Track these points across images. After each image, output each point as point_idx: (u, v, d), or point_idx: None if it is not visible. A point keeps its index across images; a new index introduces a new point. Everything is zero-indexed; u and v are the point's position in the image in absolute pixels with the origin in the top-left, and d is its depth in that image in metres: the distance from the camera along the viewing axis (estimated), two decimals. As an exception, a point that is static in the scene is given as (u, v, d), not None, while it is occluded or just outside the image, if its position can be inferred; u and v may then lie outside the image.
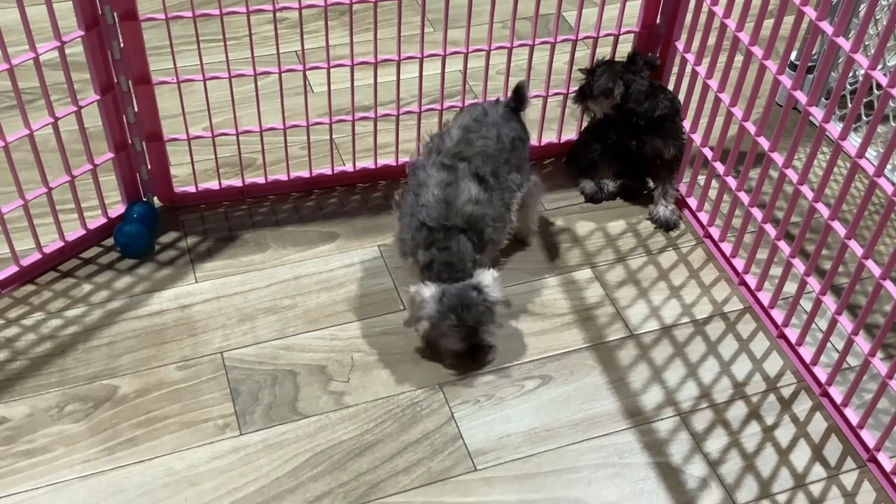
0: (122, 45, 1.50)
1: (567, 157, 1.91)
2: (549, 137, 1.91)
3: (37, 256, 1.61)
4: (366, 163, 1.84)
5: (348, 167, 1.83)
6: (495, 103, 1.60)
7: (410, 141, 1.84)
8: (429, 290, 1.43)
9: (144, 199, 1.72)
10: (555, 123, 1.91)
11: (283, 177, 1.80)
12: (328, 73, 1.66)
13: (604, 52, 1.80)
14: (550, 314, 1.62)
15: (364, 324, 1.59)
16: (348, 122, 1.76)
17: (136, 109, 1.60)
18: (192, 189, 1.76)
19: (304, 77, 1.68)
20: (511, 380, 1.51)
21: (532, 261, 1.71)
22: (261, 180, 1.79)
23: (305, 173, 1.81)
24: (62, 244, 1.64)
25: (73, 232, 1.65)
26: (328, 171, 1.82)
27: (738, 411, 1.48)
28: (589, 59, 1.79)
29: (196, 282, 1.64)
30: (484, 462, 1.39)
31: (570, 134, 1.92)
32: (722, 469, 1.40)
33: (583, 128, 1.88)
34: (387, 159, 1.84)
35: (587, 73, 1.76)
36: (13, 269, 1.59)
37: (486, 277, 1.45)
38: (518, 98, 1.60)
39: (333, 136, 1.77)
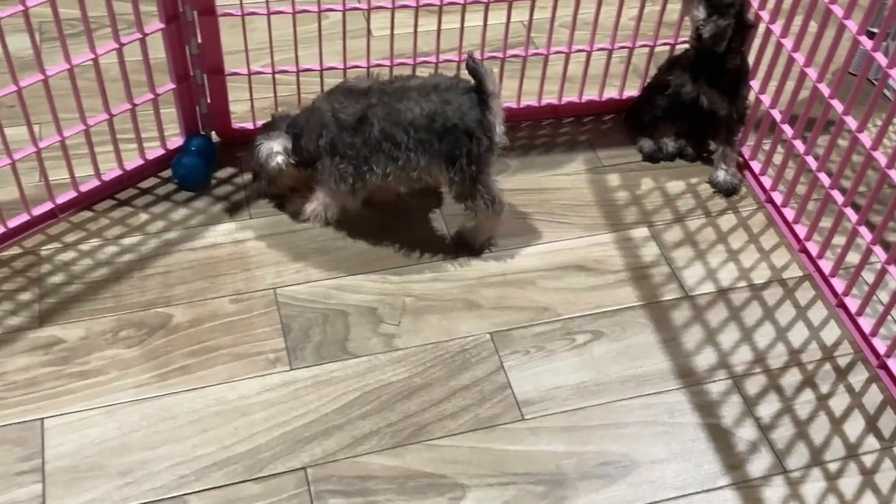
0: (189, -26, 1.49)
1: (627, 113, 1.88)
2: (611, 93, 1.88)
3: (95, 183, 1.62)
4: (424, 109, 1.81)
5: (406, 113, 1.81)
6: (471, 88, 1.47)
7: (470, 89, 1.81)
8: (296, 111, 1.61)
9: (203, 133, 1.72)
10: (617, 80, 1.88)
11: (341, 119, 1.79)
12: (392, 15, 1.64)
13: (673, 7, 1.76)
14: (604, 270, 1.60)
15: (416, 269, 1.58)
16: (408, 67, 1.74)
17: (199, 41, 1.59)
18: (249, 125, 1.75)
19: (368, 17, 1.66)
20: (562, 333, 1.50)
21: (587, 216, 1.69)
22: (318, 121, 1.78)
23: (363, 116, 1.79)
24: (120, 173, 1.64)
25: (132, 161, 1.65)
26: (385, 116, 1.80)
27: (792, 378, 1.45)
28: (658, 15, 1.75)
29: (251, 218, 1.64)
30: (532, 412, 1.39)
31: (633, 91, 1.88)
32: (773, 434, 1.38)
33: (646, 84, 1.85)
34: (445, 107, 1.82)
35: None
36: (72, 194, 1.60)
37: (275, 142, 1.57)
38: (473, 76, 1.44)
39: (393, 81, 1.75)
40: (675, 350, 1.48)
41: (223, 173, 1.72)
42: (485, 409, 1.39)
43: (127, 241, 1.58)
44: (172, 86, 1.62)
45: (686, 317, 1.53)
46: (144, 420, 1.34)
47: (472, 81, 1.47)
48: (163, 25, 1.53)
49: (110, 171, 1.64)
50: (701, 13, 1.61)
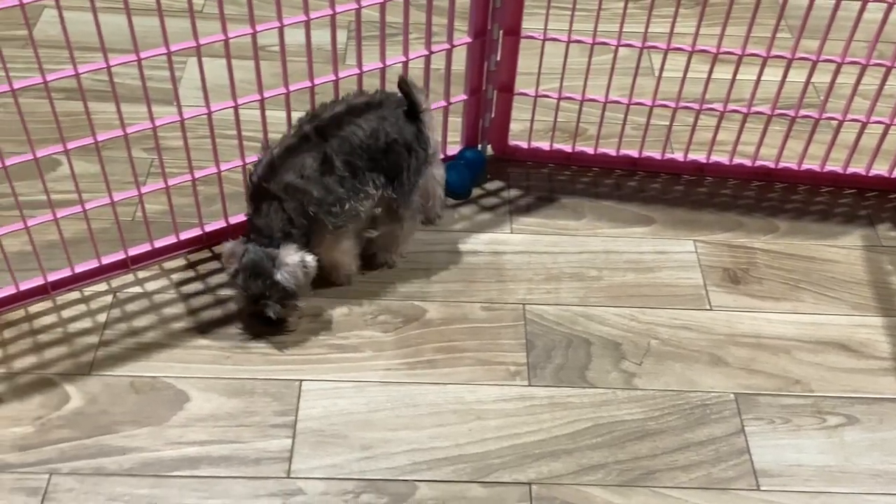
0: (504, -5, 1.58)
1: (913, 194, 1.76)
2: (880, 169, 1.77)
3: (378, 176, 1.74)
4: (697, 155, 1.80)
5: (678, 156, 1.81)
6: (401, 102, 1.48)
7: (751, 143, 1.77)
8: (233, 244, 1.43)
9: (479, 145, 1.80)
10: (889, 155, 1.76)
11: (612, 152, 1.81)
12: (688, 59, 1.64)
13: None
14: (868, 354, 1.51)
15: (666, 313, 1.57)
16: (690, 112, 1.73)
17: (498, 58, 1.67)
18: (524, 144, 1.81)
19: (664, 57, 1.66)
20: (812, 410, 1.43)
21: (858, 294, 1.60)
22: (590, 150, 1.81)
23: (634, 153, 1.80)
24: (402, 170, 1.76)
25: (413, 160, 1.76)
26: (657, 156, 1.80)
27: None
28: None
29: (511, 232, 1.69)
30: (769, 484, 1.33)
31: (925, 171, 1.76)
32: None
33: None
34: (720, 157, 1.79)
35: None
36: (356, 182, 1.73)
37: (289, 255, 1.40)
38: (406, 98, 1.46)
39: (672, 124, 1.75)
40: (938, 456, 1.37)
41: (492, 185, 1.78)
42: (719, 469, 1.35)
43: (397, 233, 1.69)
44: (465, 97, 1.70)
45: (956, 423, 1.41)
46: (389, 402, 1.42)
47: (399, 95, 1.47)
48: (469, 40, 1.62)
49: (393, 167, 1.75)
50: None
